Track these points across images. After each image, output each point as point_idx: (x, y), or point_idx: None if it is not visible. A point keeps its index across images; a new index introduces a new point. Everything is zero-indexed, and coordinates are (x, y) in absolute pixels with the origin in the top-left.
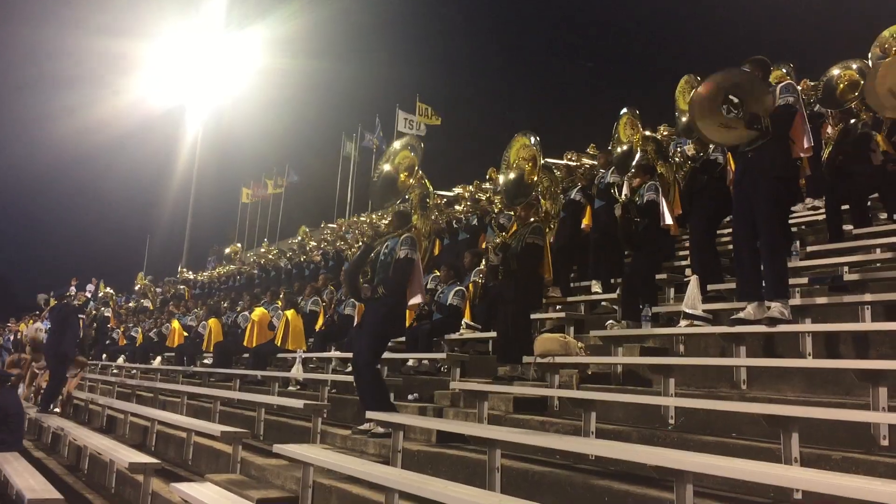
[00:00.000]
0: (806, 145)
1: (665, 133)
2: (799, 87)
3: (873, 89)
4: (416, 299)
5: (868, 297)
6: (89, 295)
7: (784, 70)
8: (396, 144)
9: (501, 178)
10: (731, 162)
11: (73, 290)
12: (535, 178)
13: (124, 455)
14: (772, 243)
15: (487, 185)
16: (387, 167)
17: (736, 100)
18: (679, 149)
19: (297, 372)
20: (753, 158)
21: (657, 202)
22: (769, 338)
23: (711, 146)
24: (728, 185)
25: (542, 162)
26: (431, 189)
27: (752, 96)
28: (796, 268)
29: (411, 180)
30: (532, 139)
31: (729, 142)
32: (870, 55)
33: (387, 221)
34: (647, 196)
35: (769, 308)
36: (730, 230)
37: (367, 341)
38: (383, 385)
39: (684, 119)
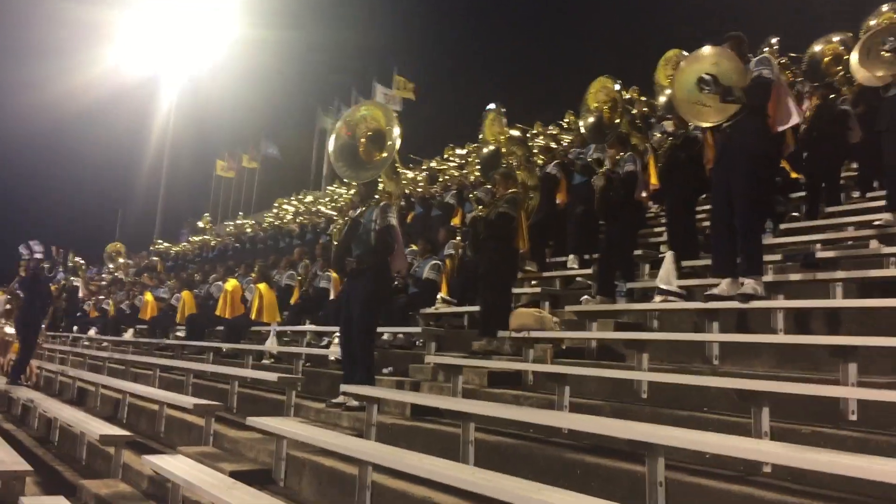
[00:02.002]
0: (792, 120)
1: (641, 99)
2: (776, 61)
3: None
4: (400, 263)
5: (840, 274)
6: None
7: (766, 48)
8: (356, 105)
9: (581, 122)
10: (709, 140)
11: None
12: (618, 120)
13: (95, 427)
14: (747, 220)
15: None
16: (338, 130)
17: (708, 76)
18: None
19: (271, 345)
20: (731, 135)
21: (636, 173)
22: (742, 314)
23: (691, 124)
24: (705, 163)
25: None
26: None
27: (727, 72)
28: (770, 245)
29: (378, 154)
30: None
31: (707, 121)
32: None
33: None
34: (627, 167)
35: (743, 284)
36: (708, 206)
37: (361, 316)
38: (373, 360)
39: (662, 98)
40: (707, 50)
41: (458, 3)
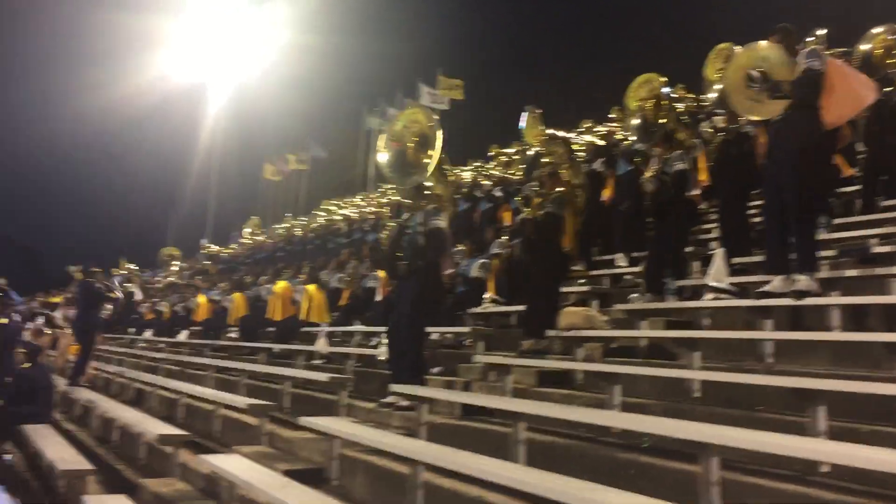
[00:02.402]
0: (867, 100)
1: (689, 95)
2: (827, 53)
3: None
4: (447, 269)
5: None
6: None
7: (812, 38)
8: (399, 113)
9: (633, 122)
10: (761, 134)
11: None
12: (663, 119)
13: (153, 427)
14: (801, 216)
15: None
16: (383, 154)
17: (756, 73)
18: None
19: (321, 346)
20: (781, 129)
21: (687, 171)
22: (796, 311)
23: (742, 118)
24: (757, 159)
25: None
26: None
27: (775, 67)
28: (825, 240)
29: (425, 157)
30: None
31: (761, 115)
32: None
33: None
34: (677, 166)
35: (797, 281)
36: (760, 202)
37: (408, 317)
38: (423, 360)
39: (712, 94)
40: (756, 45)
41: (501, 4)
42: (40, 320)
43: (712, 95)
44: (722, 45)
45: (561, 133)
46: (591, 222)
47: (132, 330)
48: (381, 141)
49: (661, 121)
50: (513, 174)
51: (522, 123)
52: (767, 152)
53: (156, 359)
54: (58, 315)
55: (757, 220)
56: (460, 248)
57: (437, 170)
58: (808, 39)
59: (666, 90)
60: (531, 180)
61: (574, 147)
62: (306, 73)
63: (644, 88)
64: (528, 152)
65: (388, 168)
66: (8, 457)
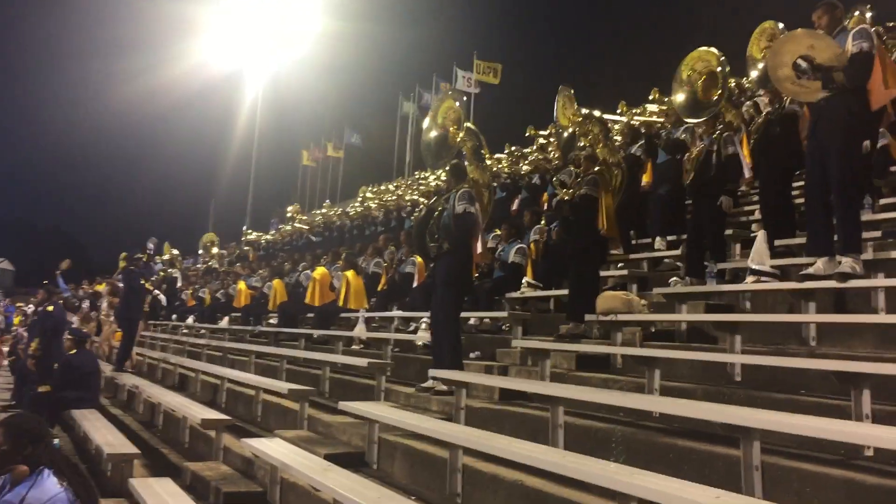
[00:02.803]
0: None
1: (731, 82)
2: (873, 30)
3: None
4: (480, 251)
5: None
6: (151, 250)
7: (858, 13)
8: (435, 102)
9: (677, 98)
10: (806, 114)
11: (150, 248)
12: (717, 95)
13: (197, 412)
14: (845, 196)
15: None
16: (433, 132)
17: (805, 64)
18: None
19: (360, 331)
20: (826, 109)
21: (738, 154)
22: (840, 293)
23: (786, 98)
24: (801, 139)
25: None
26: (484, 140)
27: (822, 54)
28: (869, 221)
29: (461, 134)
30: (713, 52)
31: (805, 97)
32: None
33: (444, 179)
34: (729, 149)
35: (840, 263)
36: (803, 183)
37: (441, 297)
38: (459, 343)
39: (754, 73)
40: (800, 32)
41: None
42: (86, 307)
43: (755, 74)
44: (766, 24)
45: (596, 112)
46: (629, 206)
47: (174, 316)
48: (431, 121)
49: (714, 97)
50: (549, 159)
51: (557, 104)
52: (809, 131)
53: (198, 345)
54: (103, 303)
55: (800, 201)
56: (497, 232)
57: (473, 154)
58: (854, 15)
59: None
60: (567, 162)
61: (609, 126)
62: (342, 60)
63: (701, 62)
64: (563, 134)
65: (432, 150)
66: (56, 441)
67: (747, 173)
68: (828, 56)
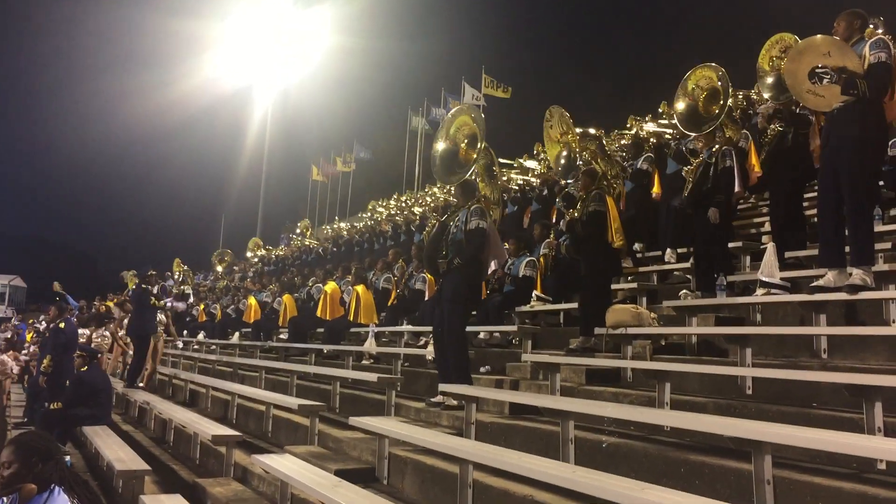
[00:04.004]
0: None
1: (738, 94)
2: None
3: None
4: (493, 265)
5: None
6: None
7: (872, 26)
8: (449, 115)
9: (678, 107)
10: (817, 124)
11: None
12: (717, 110)
13: (207, 428)
14: (857, 208)
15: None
16: (441, 144)
17: (826, 71)
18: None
19: (370, 346)
20: (839, 118)
21: (733, 168)
22: (851, 305)
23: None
24: (811, 151)
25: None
26: (495, 156)
27: (839, 62)
28: (880, 232)
29: (474, 153)
30: (716, 69)
31: (820, 106)
32: None
33: (453, 195)
34: (726, 163)
35: (851, 275)
36: (813, 195)
37: (448, 313)
38: (467, 357)
39: (769, 80)
40: (819, 39)
41: (543, 4)
42: (97, 324)
43: (769, 82)
44: (776, 36)
45: (591, 130)
46: (636, 220)
47: (185, 332)
48: (442, 134)
49: (714, 111)
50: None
51: (548, 125)
52: (822, 141)
53: (209, 360)
54: (113, 318)
55: (810, 212)
56: (505, 246)
57: (485, 171)
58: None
59: (728, 86)
60: (569, 181)
61: (606, 142)
62: (351, 75)
63: (703, 80)
64: (562, 154)
65: (438, 164)
66: (68, 458)
67: (736, 186)
68: (845, 64)
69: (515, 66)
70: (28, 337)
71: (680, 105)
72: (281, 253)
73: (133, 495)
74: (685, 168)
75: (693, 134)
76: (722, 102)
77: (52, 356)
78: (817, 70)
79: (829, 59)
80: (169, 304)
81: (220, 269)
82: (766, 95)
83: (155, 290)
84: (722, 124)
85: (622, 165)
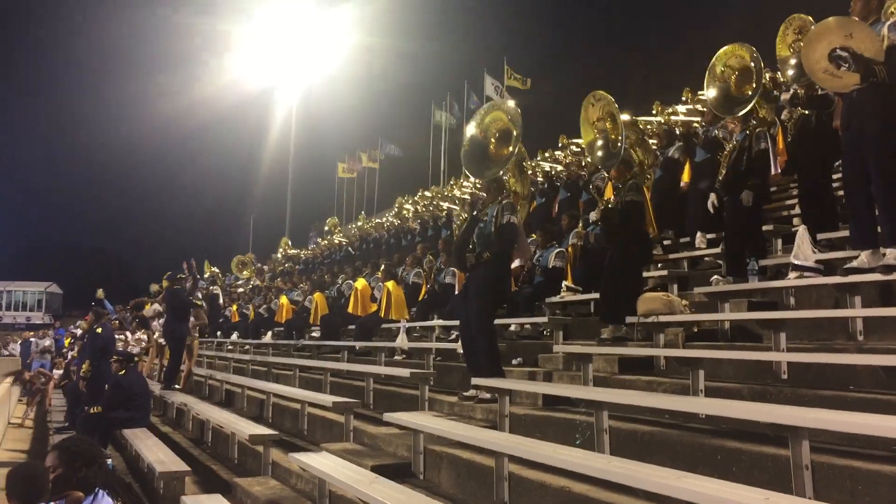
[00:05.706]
0: None
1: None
2: None
3: None
4: (517, 262)
5: None
6: (193, 269)
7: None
8: (486, 105)
9: (709, 93)
10: (840, 105)
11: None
12: (751, 91)
13: (244, 427)
14: (886, 186)
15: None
16: (473, 130)
17: (844, 53)
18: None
19: (401, 341)
20: (858, 99)
21: (769, 150)
22: (886, 286)
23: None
24: (836, 128)
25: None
26: (525, 152)
27: (861, 43)
28: None
29: (504, 151)
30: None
31: (838, 88)
32: None
33: (481, 189)
34: (761, 145)
35: (885, 255)
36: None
37: (476, 307)
38: (497, 350)
39: (789, 69)
40: (833, 21)
41: None
42: (134, 328)
43: (791, 72)
44: (791, 17)
45: (627, 116)
46: (663, 208)
47: (219, 333)
48: (477, 119)
49: (748, 92)
50: (583, 164)
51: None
52: (844, 121)
53: (243, 360)
54: (149, 322)
55: (841, 193)
56: (533, 237)
57: (515, 166)
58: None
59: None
60: (606, 169)
61: (642, 127)
62: (374, 72)
63: (734, 58)
64: (597, 142)
65: (466, 149)
66: (110, 461)
67: (773, 169)
68: (867, 46)
69: (538, 56)
70: (66, 342)
71: (711, 91)
72: (309, 252)
73: (174, 496)
74: (721, 153)
75: (726, 117)
76: (755, 80)
77: (90, 361)
78: (837, 52)
79: (850, 40)
80: (203, 287)
81: (245, 274)
82: (789, 74)
83: (188, 285)
84: (756, 104)
85: (656, 154)
